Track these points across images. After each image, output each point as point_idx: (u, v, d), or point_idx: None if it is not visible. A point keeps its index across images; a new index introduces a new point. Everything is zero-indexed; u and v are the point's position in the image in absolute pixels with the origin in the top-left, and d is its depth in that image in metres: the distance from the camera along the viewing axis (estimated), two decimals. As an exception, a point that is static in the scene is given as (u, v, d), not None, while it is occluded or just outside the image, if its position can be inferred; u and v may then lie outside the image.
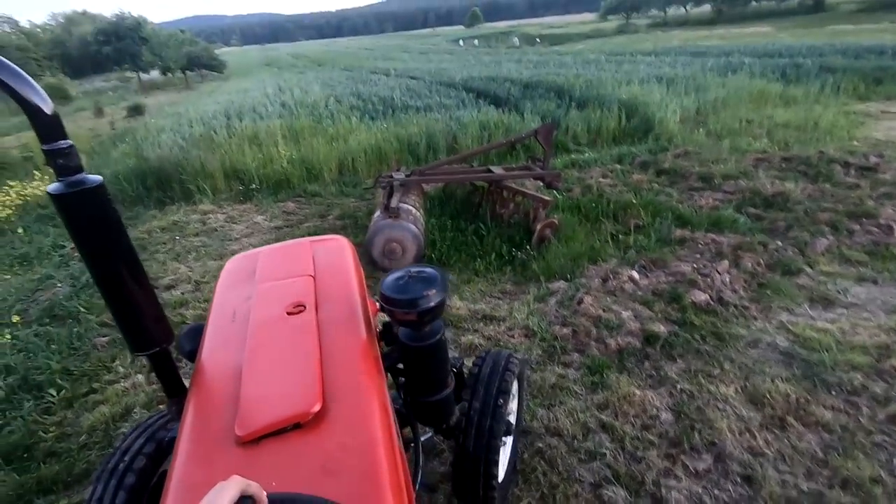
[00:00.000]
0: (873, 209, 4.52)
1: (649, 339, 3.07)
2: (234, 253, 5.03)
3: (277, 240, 5.02)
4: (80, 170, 1.09)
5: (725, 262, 3.84)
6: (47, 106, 1.03)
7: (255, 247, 5.01)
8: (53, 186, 1.08)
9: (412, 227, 4.16)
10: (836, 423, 2.36)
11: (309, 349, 1.24)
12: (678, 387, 2.67)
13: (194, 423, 1.12)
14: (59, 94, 24.56)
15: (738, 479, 2.12)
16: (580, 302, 3.49)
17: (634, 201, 5.17)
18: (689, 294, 3.51)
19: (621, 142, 7.97)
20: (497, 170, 4.98)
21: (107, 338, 3.58)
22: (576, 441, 2.37)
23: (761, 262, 3.91)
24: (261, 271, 1.65)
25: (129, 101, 19.81)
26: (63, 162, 1.06)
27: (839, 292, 3.51)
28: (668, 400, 2.60)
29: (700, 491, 2.09)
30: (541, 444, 2.36)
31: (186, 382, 1.38)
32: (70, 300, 4.16)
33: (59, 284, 4.52)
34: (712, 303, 3.47)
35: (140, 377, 3.11)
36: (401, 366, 1.60)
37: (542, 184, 5.21)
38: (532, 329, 3.28)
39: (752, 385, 2.64)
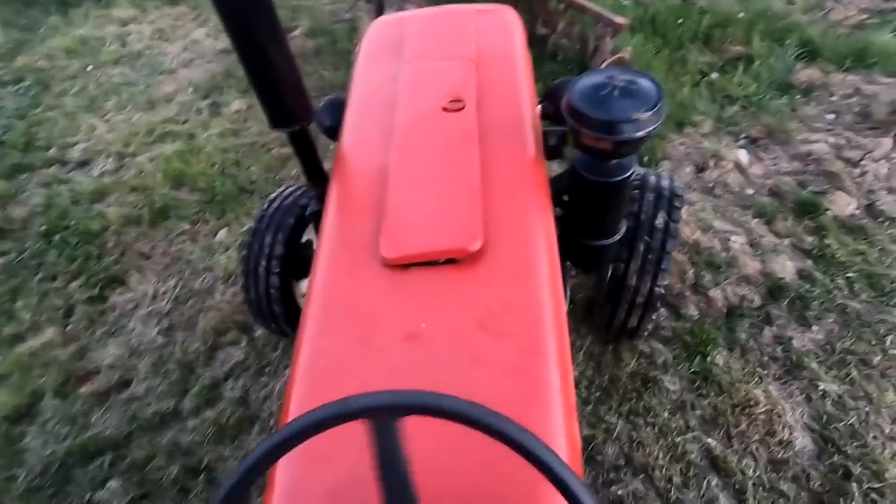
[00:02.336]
0: None
1: (774, 290, 2.10)
2: (167, 98, 3.64)
3: (226, 72, 3.59)
4: None
5: (885, 142, 2.58)
6: None
7: (195, 82, 3.64)
8: None
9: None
10: None
11: (469, 163, 1.02)
12: (819, 385, 1.82)
13: (335, 234, 1.00)
14: None
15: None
16: (667, 212, 2.39)
17: (740, 14, 3.50)
18: (829, 198, 2.39)
19: None
20: (544, -38, 3.20)
21: None
22: (671, 488, 1.64)
23: (934, 136, 2.64)
24: (411, 45, 1.38)
25: None
26: None
27: None
28: (805, 409, 1.78)
29: None
30: (621, 492, 1.64)
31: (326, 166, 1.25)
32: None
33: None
34: (860, 212, 2.38)
35: None
36: (566, 197, 1.33)
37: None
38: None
39: (933, 387, 1.79)
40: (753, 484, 1.63)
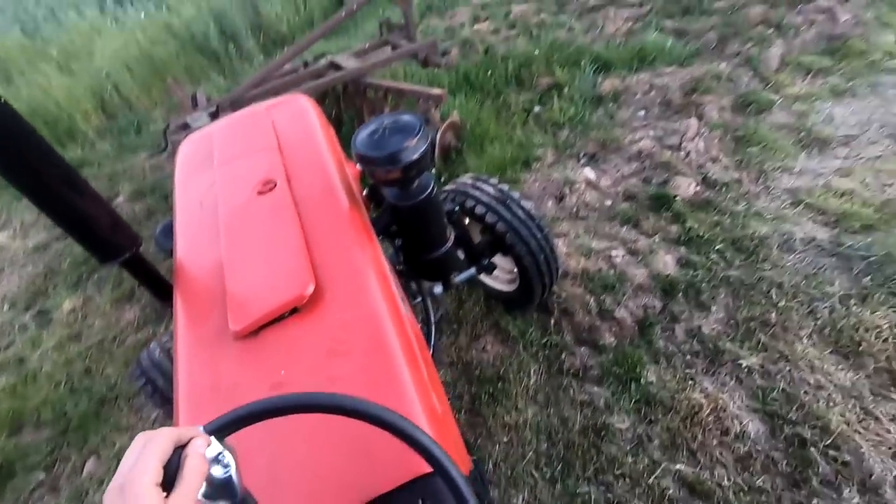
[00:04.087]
0: (806, -11, 3.73)
1: (666, 288, 2.18)
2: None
3: (48, 271, 3.16)
4: None
5: (692, 122, 2.92)
6: None
7: (10, 296, 3.16)
8: None
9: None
10: (954, 353, 1.76)
11: (289, 228, 1.15)
12: (742, 363, 1.88)
13: (187, 326, 1.06)
14: None
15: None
16: (548, 251, 2.44)
17: (535, 51, 3.87)
18: (672, 185, 2.60)
19: (472, -43, 6.16)
20: (348, 61, 3.30)
21: None
22: (668, 538, 1.54)
23: (725, 104, 3.04)
24: (219, 151, 1.50)
25: None
26: None
27: (826, 122, 2.81)
28: (741, 393, 1.82)
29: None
30: (624, 568, 1.51)
31: None
32: None
33: None
34: (700, 188, 2.62)
35: None
36: (395, 228, 1.47)
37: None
38: (497, 320, 2.22)
39: (826, 323, 1.93)
40: (734, 492, 1.59)
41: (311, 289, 0.99)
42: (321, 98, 3.72)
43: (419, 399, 0.83)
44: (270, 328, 0.97)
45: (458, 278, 1.97)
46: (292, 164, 1.38)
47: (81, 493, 2.04)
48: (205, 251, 1.21)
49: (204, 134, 1.66)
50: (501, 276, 2.20)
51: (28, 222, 3.72)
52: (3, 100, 1.01)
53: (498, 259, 2.13)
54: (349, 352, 0.90)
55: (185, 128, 2.85)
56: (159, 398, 1.70)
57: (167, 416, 1.71)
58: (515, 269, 1.98)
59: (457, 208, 1.77)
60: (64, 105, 4.31)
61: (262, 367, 0.89)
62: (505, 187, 1.83)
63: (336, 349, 0.90)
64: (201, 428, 0.54)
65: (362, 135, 1.25)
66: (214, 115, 2.90)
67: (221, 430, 0.57)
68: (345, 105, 3.57)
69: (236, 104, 2.99)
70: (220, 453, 0.53)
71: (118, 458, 2.13)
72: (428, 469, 0.62)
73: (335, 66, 3.31)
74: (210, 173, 1.43)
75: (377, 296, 0.99)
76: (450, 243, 1.53)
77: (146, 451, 0.47)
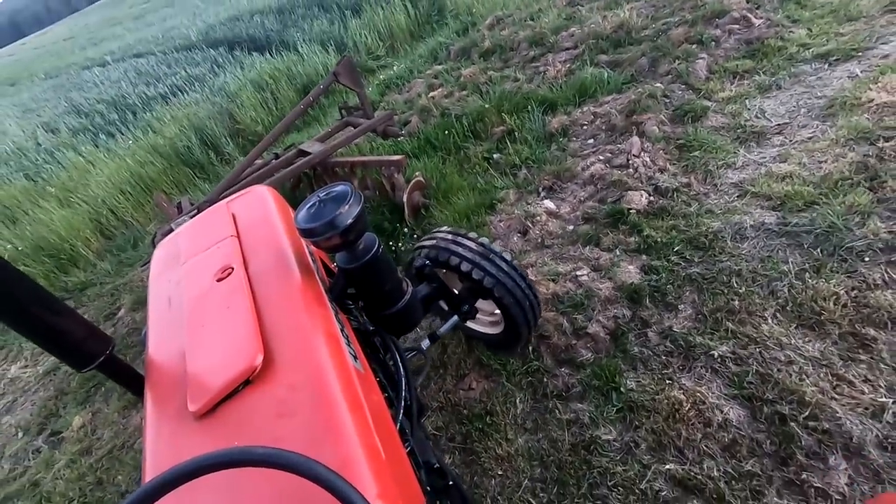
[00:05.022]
0: (719, 5, 4.05)
1: (633, 296, 2.26)
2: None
3: (58, 393, 3.28)
4: None
5: (635, 140, 3.10)
6: None
7: (23, 424, 3.28)
8: None
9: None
10: (911, 306, 1.80)
11: (242, 306, 1.20)
12: (714, 353, 1.93)
13: (153, 412, 1.12)
14: None
15: (898, 476, 1.47)
16: (519, 282, 2.54)
17: (486, 105, 4.17)
18: (626, 200, 2.74)
19: (421, 36, 6.74)
20: (314, 147, 3.58)
21: None
22: (668, 539, 1.53)
23: (664, 118, 3.24)
24: (184, 250, 1.57)
25: None
26: None
27: (758, 116, 2.99)
28: (718, 383, 1.85)
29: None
30: (630, 579, 1.49)
31: None
32: None
33: None
34: (653, 198, 2.75)
35: None
36: (352, 290, 1.51)
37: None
38: (480, 356, 2.29)
39: (787, 300, 1.99)
40: (725, 482, 1.59)
41: (259, 359, 1.03)
42: (296, 183, 4.00)
43: (361, 445, 0.87)
44: (226, 403, 1.01)
45: (443, 328, 2.01)
46: (249, 249, 1.44)
47: None
48: (172, 341, 1.27)
49: (171, 237, 1.75)
50: (485, 319, 2.27)
51: (38, 350, 3.90)
52: None
53: (479, 304, 2.20)
54: (295, 411, 0.94)
55: (170, 233, 3.07)
56: None
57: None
58: (497, 311, 2.06)
59: (427, 262, 1.85)
60: (65, 235, 4.63)
61: (218, 444, 0.90)
62: (486, 241, 1.91)
63: (283, 412, 0.94)
64: None
65: (301, 212, 1.31)
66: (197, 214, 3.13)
67: None
68: (317, 186, 3.81)
69: (214, 202, 3.23)
70: None
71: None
72: None
73: (303, 153, 3.58)
74: (176, 271, 1.50)
75: (324, 355, 1.03)
76: (408, 295, 1.57)
77: None
